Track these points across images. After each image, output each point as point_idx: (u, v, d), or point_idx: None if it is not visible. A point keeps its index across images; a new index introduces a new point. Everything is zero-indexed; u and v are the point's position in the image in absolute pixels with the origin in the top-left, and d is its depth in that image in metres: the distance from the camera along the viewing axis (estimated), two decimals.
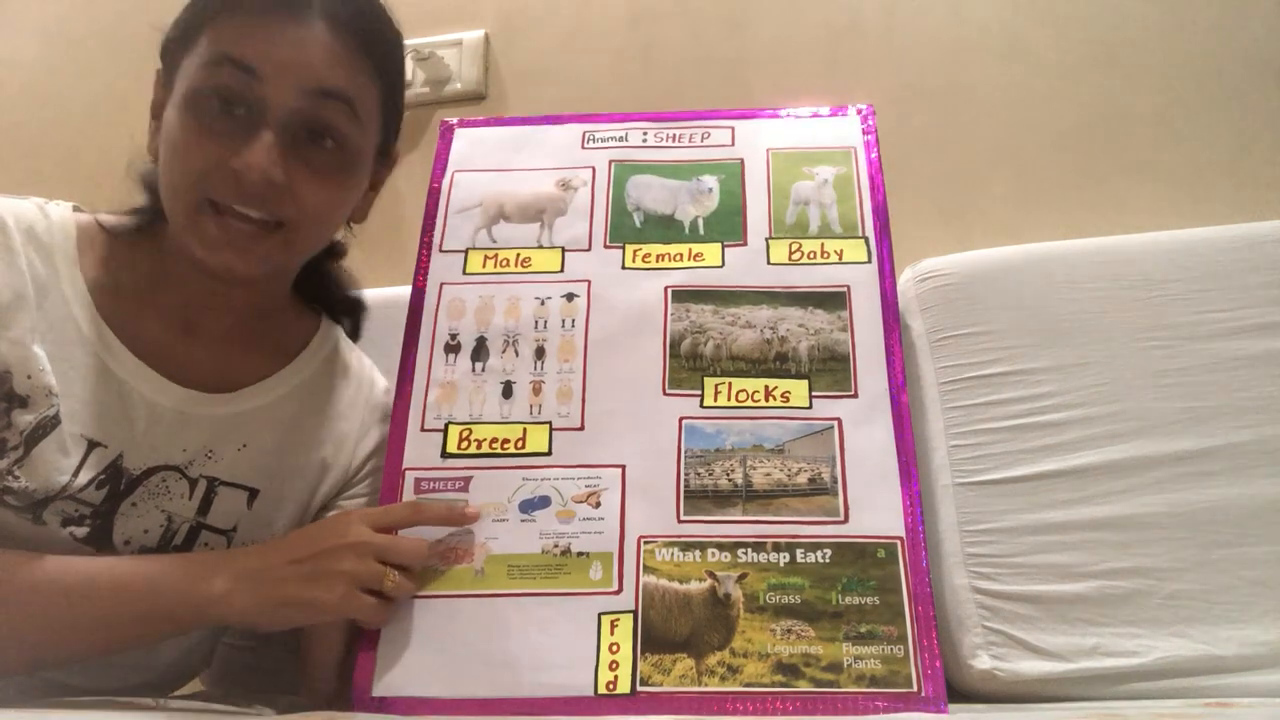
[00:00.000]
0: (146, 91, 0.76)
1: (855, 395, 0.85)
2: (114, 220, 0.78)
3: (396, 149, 0.84)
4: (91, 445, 0.71)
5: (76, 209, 0.77)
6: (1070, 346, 0.93)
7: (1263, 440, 0.86)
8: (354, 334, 0.94)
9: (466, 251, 0.95)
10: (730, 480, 0.81)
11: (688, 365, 0.87)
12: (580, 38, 1.39)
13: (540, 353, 0.89)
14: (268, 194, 0.69)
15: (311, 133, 0.71)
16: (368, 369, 0.91)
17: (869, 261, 0.92)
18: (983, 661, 0.82)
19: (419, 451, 0.84)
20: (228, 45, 0.68)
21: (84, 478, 0.70)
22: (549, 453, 0.84)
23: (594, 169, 0.99)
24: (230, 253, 0.70)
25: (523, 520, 0.80)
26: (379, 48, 0.75)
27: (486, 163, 1.01)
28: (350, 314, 0.94)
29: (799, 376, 0.86)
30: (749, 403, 0.85)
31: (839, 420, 0.84)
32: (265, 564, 0.70)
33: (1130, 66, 1.20)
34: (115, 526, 0.73)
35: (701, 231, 0.95)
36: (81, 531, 0.71)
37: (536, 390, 0.87)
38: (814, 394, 0.85)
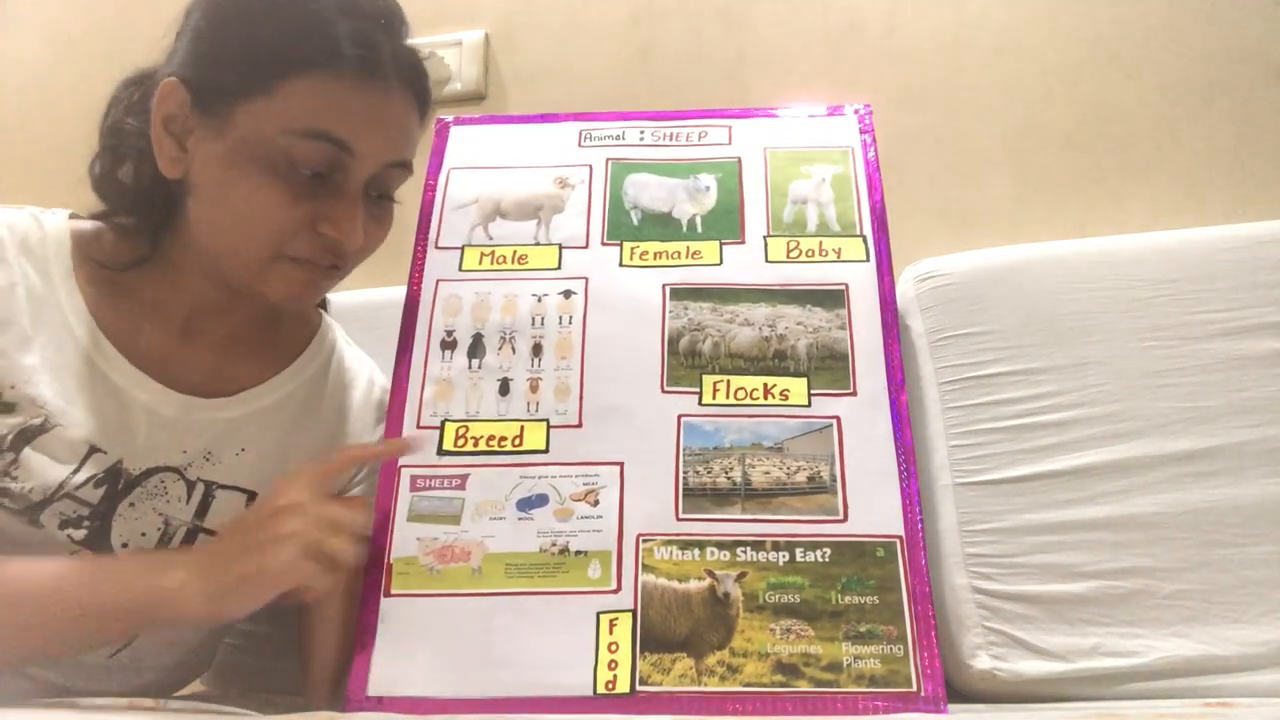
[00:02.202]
0: None
1: (854, 393, 0.85)
2: (112, 240, 0.77)
3: None
4: (92, 450, 0.71)
5: (73, 216, 0.76)
6: (1070, 346, 0.93)
7: (1263, 440, 0.86)
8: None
9: (463, 248, 0.95)
10: (729, 478, 0.81)
11: (686, 363, 0.87)
12: (580, 38, 1.39)
13: (537, 350, 0.88)
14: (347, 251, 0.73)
15: (381, 192, 0.75)
16: (368, 368, 0.91)
17: (867, 260, 0.92)
18: (983, 661, 0.82)
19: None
20: (321, 118, 0.67)
21: (81, 476, 0.70)
22: (546, 450, 0.83)
23: (591, 167, 0.99)
24: (306, 291, 0.74)
25: (520, 519, 0.80)
26: (429, 98, 0.77)
27: (482, 160, 1.01)
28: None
29: (798, 374, 0.86)
30: (747, 400, 0.85)
31: (838, 418, 0.83)
32: (217, 548, 0.67)
33: (1130, 66, 1.20)
34: (113, 529, 0.72)
35: (699, 230, 0.95)
36: (79, 534, 0.70)
37: (534, 387, 0.87)
38: (813, 392, 0.85)
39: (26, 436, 0.68)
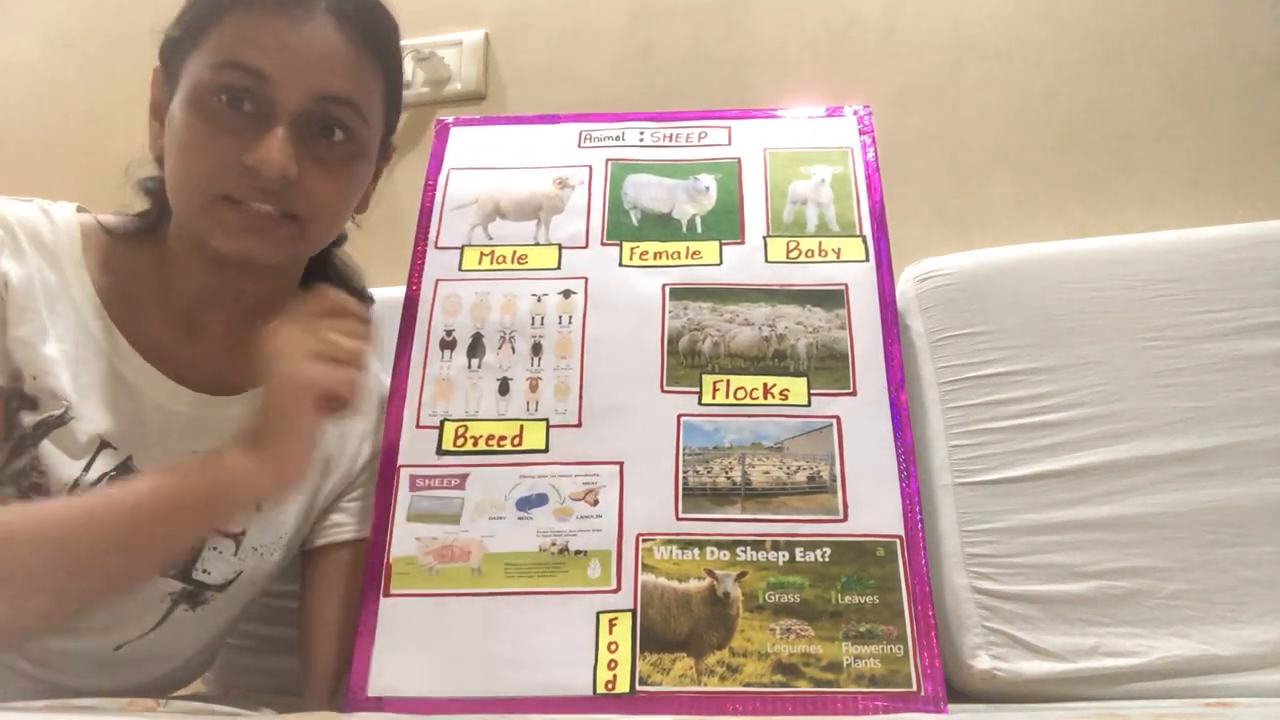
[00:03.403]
0: (147, 91, 0.76)
1: (854, 393, 0.85)
2: (116, 221, 0.78)
3: (393, 140, 0.85)
4: (102, 445, 0.71)
5: (80, 209, 0.77)
6: (1070, 346, 0.93)
7: (1263, 440, 0.86)
8: None
9: (462, 248, 0.95)
10: (729, 478, 0.81)
11: (686, 362, 0.87)
12: (580, 37, 1.39)
13: (537, 349, 0.88)
14: (281, 188, 0.70)
15: (322, 128, 0.72)
16: (374, 367, 0.90)
17: (866, 260, 0.92)
18: (983, 661, 0.82)
19: (414, 448, 0.84)
20: (236, 48, 0.68)
21: (94, 474, 0.70)
22: (546, 450, 0.83)
23: (591, 168, 0.99)
24: (249, 239, 0.71)
25: (520, 518, 0.80)
26: (382, 43, 0.75)
27: (482, 161, 1.01)
28: None
29: (797, 374, 0.86)
30: (747, 400, 0.85)
31: (838, 418, 0.83)
32: (254, 420, 0.67)
33: (1130, 66, 1.20)
34: None
35: (699, 230, 0.95)
36: None
37: (533, 387, 0.87)
38: (812, 392, 0.85)
39: (46, 427, 0.68)
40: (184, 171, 0.70)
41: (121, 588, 0.70)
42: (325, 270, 0.90)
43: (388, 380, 0.89)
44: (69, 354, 0.70)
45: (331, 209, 0.75)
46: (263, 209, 0.70)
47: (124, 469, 0.72)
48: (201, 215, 0.71)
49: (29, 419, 0.68)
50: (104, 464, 0.71)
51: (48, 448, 0.68)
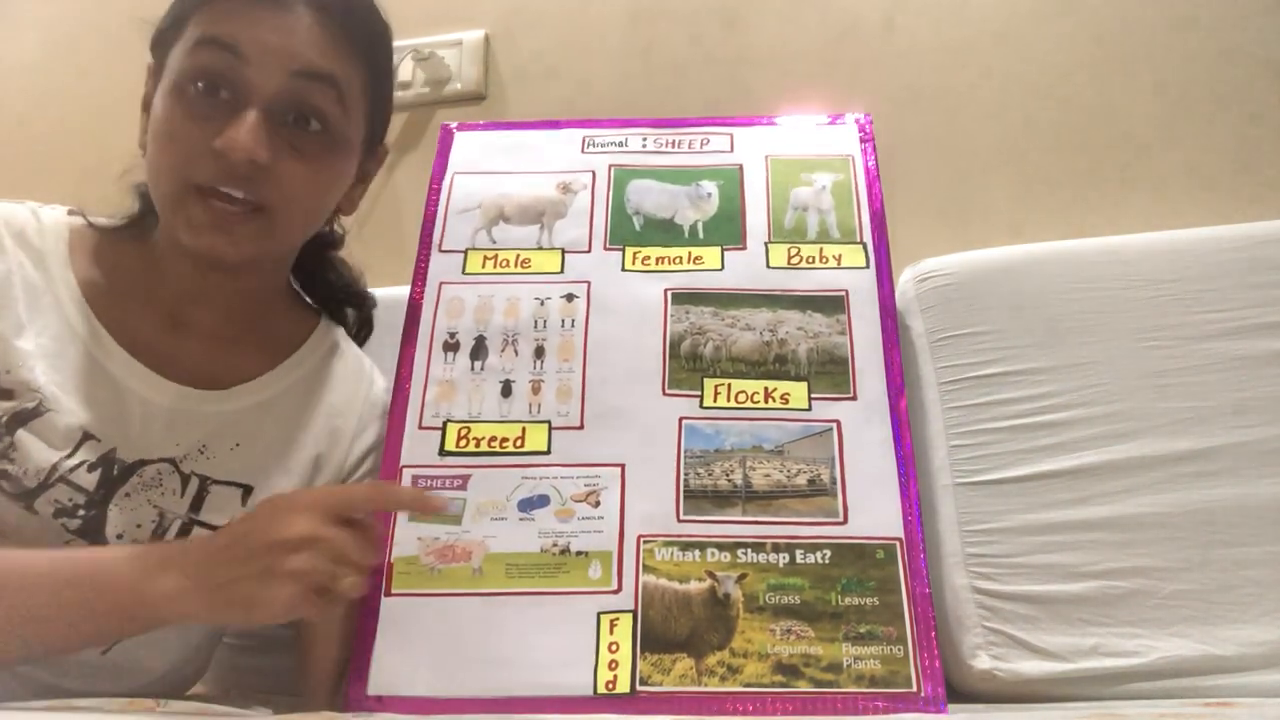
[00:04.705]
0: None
1: (854, 398, 0.85)
2: (106, 222, 0.78)
3: (385, 144, 0.85)
4: (86, 436, 0.71)
5: (71, 212, 0.78)
6: (1070, 346, 0.93)
7: (1263, 440, 0.86)
8: (363, 326, 0.94)
9: (466, 252, 0.95)
10: (730, 481, 0.81)
11: (687, 366, 0.87)
12: (580, 38, 1.39)
13: (539, 352, 0.89)
14: (251, 174, 0.69)
15: (297, 116, 0.72)
16: (367, 367, 0.91)
17: (867, 267, 0.92)
18: (983, 661, 0.82)
19: (416, 449, 0.84)
20: (211, 27, 0.69)
21: (75, 460, 0.70)
22: (548, 451, 0.84)
23: (594, 173, 1.00)
24: (215, 236, 0.70)
25: (521, 519, 0.80)
26: (365, 35, 0.75)
27: (486, 165, 1.02)
28: (357, 307, 0.94)
29: (798, 378, 0.87)
30: (748, 404, 0.85)
31: (838, 422, 0.84)
32: (216, 557, 0.63)
33: (1130, 66, 1.20)
34: (108, 519, 0.72)
35: (701, 235, 0.96)
36: (74, 523, 0.70)
37: (536, 389, 0.87)
38: (813, 396, 0.85)
39: (21, 419, 0.68)
40: (157, 160, 0.71)
41: (31, 655, 0.66)
42: (324, 273, 0.90)
43: (390, 384, 0.90)
44: (49, 348, 0.71)
45: (302, 200, 0.74)
46: (230, 209, 0.70)
47: (108, 459, 0.72)
48: (173, 208, 0.71)
49: (3, 407, 0.68)
50: (87, 454, 0.71)
51: (24, 436, 0.68)
